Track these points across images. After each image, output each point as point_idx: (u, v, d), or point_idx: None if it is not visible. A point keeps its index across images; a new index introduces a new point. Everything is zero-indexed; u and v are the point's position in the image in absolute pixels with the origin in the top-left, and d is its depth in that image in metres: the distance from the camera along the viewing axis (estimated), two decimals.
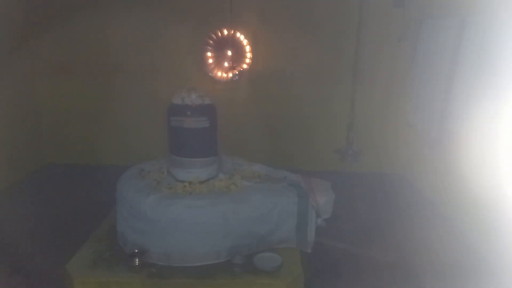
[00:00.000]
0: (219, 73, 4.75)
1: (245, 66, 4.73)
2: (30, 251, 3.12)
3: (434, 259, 2.92)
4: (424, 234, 3.26)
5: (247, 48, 4.68)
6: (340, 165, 4.69)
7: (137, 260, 2.50)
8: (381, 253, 3.09)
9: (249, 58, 4.71)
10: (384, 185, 4.48)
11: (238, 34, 4.63)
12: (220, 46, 4.66)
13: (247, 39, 4.66)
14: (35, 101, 4.97)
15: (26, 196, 4.21)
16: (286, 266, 2.56)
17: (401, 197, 4.11)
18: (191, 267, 2.55)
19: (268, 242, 2.76)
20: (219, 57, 4.69)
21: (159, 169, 3.03)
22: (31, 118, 4.93)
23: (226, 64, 4.69)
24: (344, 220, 3.48)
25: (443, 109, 3.40)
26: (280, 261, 2.58)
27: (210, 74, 4.75)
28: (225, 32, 4.63)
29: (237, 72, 4.67)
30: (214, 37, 4.65)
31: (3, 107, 4.34)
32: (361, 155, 4.58)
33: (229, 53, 4.62)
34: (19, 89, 4.70)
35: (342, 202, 3.21)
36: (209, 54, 4.69)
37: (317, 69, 4.75)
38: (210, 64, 4.72)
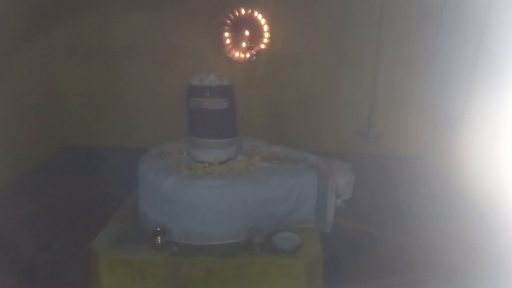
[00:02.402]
0: (237, 54, 4.70)
1: (263, 46, 4.66)
2: (55, 229, 3.23)
3: (454, 241, 2.88)
4: (444, 216, 3.21)
5: (265, 28, 4.60)
6: (361, 147, 4.64)
7: (159, 238, 2.54)
8: (400, 235, 3.07)
9: (267, 38, 4.63)
10: (405, 167, 4.41)
11: (256, 13, 4.54)
12: (238, 26, 4.59)
13: (265, 19, 4.57)
14: (56, 85, 5.04)
15: (49, 178, 4.33)
16: (305, 246, 2.56)
17: (422, 179, 4.04)
18: (211, 246, 2.59)
19: (287, 222, 2.77)
20: (237, 38, 4.63)
21: (179, 150, 3.04)
22: (52, 101, 5.01)
23: (243, 44, 4.63)
24: (364, 201, 3.46)
25: (468, 89, 3.29)
26: (299, 241, 2.58)
27: (228, 55, 4.70)
28: (243, 11, 4.55)
29: (254, 53, 4.60)
30: (232, 16, 4.58)
31: (25, 91, 4.43)
32: (382, 137, 4.51)
33: (247, 33, 4.55)
34: (40, 73, 4.77)
35: (363, 183, 3.17)
36: (226, 34, 4.63)
37: (338, 50, 4.64)
38: (228, 44, 4.66)
